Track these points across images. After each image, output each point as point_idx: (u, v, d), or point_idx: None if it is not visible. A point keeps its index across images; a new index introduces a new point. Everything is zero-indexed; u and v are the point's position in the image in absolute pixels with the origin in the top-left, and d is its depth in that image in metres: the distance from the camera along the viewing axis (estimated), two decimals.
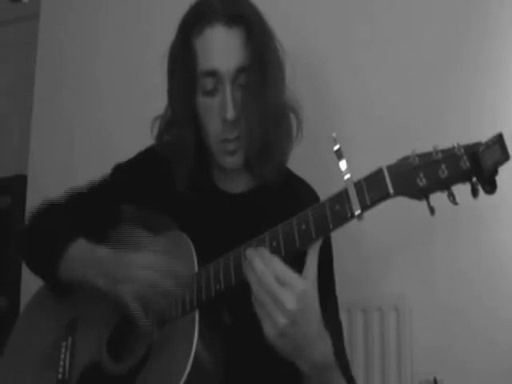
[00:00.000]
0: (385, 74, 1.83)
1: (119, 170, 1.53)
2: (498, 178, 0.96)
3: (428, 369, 1.63)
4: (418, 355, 1.71)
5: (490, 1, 1.74)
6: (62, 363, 1.34)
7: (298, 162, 1.48)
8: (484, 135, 1.71)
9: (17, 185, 2.44)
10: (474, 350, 1.65)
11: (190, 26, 1.35)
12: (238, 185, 1.45)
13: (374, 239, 1.76)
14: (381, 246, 1.77)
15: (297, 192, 1.44)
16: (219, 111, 1.33)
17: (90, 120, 2.26)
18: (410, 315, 1.73)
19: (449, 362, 1.67)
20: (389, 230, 1.73)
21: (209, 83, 1.32)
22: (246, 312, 1.20)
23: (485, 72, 1.73)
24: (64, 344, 1.37)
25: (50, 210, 1.51)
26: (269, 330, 1.05)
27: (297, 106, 1.43)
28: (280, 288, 1.04)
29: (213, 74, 1.32)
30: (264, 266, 1.06)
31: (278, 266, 1.05)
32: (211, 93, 1.33)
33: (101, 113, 2.25)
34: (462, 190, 0.98)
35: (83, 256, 1.34)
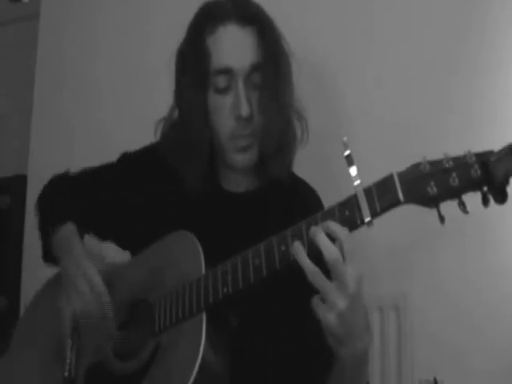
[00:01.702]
0: (385, 74, 1.83)
1: (127, 158, 1.53)
2: (509, 188, 0.96)
3: (428, 368, 1.63)
4: (419, 355, 1.71)
5: (490, 1, 1.74)
6: (68, 361, 1.34)
7: (302, 162, 1.48)
8: (484, 135, 1.72)
9: (17, 185, 2.43)
10: (474, 350, 1.65)
11: (202, 26, 1.36)
12: (242, 184, 1.45)
13: (374, 238, 1.76)
14: (381, 245, 1.77)
15: (298, 192, 1.45)
16: (232, 109, 1.34)
17: (90, 120, 2.26)
18: (411, 315, 1.73)
19: (449, 362, 1.67)
20: (391, 230, 1.72)
21: (221, 81, 1.33)
22: (251, 314, 1.20)
23: (485, 72, 1.73)
24: (70, 341, 1.36)
25: (63, 181, 1.57)
26: (326, 312, 1.05)
27: (301, 108, 1.44)
28: (344, 268, 1.03)
29: (226, 71, 1.32)
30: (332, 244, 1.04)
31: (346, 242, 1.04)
32: (224, 91, 1.34)
33: (101, 113, 2.24)
34: (470, 197, 0.98)
35: (62, 242, 1.41)
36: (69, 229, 1.42)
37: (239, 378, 1.23)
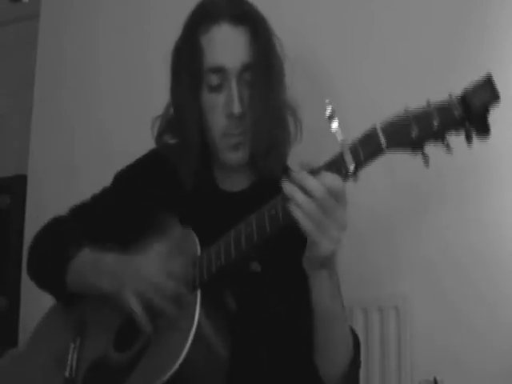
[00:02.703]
0: (384, 73, 1.83)
1: (120, 178, 1.54)
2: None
3: (428, 369, 1.63)
4: (418, 355, 1.71)
5: (490, 1, 1.74)
6: (69, 362, 1.36)
7: (296, 160, 1.48)
8: None
9: (17, 185, 2.44)
10: (474, 350, 1.65)
11: (196, 25, 1.38)
12: (238, 183, 1.47)
13: (374, 239, 1.76)
14: (381, 246, 1.77)
15: None
16: (224, 107, 1.35)
17: (90, 120, 2.26)
18: (411, 315, 1.73)
19: (449, 362, 1.67)
20: (390, 231, 1.73)
21: (214, 79, 1.35)
22: (250, 299, 1.21)
23: (485, 72, 1.73)
24: (72, 345, 1.38)
25: (55, 225, 1.51)
26: (328, 246, 1.07)
27: (295, 107, 1.46)
28: (336, 203, 1.04)
29: (219, 70, 1.34)
30: (318, 181, 1.05)
31: (332, 180, 1.05)
32: (216, 89, 1.35)
33: (101, 113, 2.25)
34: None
35: (88, 263, 1.35)
36: (87, 254, 1.37)
37: (239, 362, 1.24)
